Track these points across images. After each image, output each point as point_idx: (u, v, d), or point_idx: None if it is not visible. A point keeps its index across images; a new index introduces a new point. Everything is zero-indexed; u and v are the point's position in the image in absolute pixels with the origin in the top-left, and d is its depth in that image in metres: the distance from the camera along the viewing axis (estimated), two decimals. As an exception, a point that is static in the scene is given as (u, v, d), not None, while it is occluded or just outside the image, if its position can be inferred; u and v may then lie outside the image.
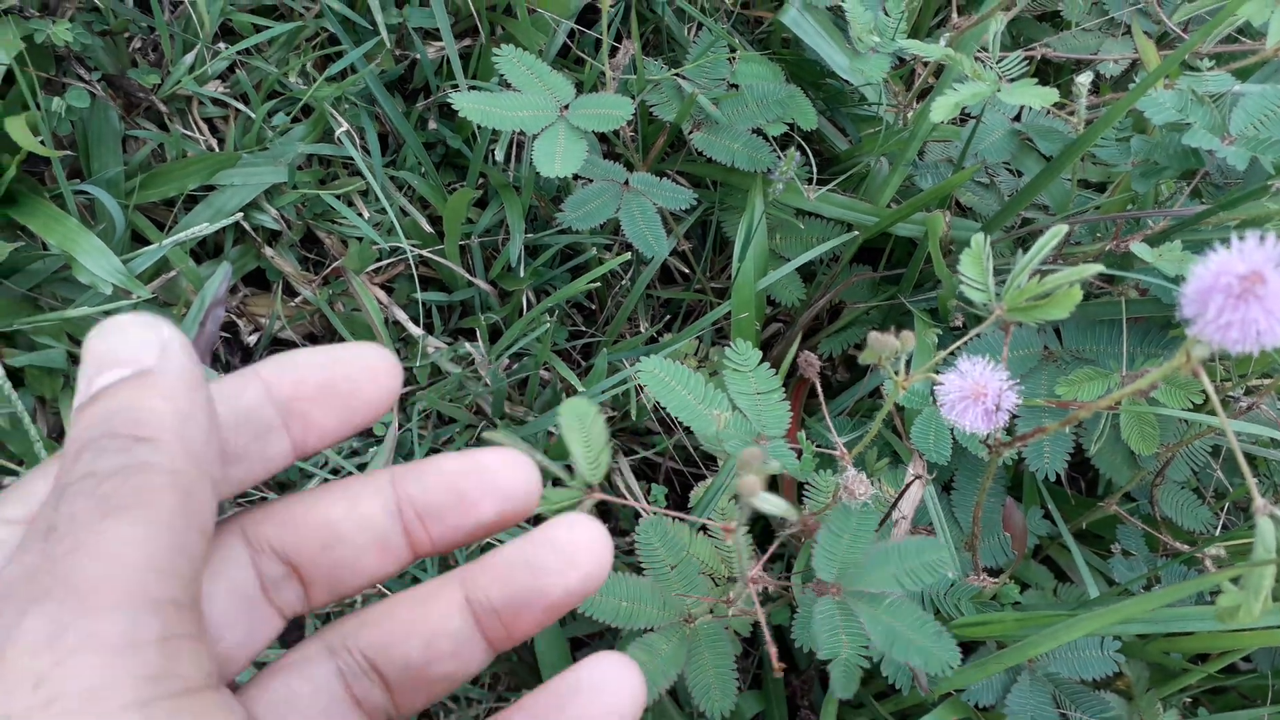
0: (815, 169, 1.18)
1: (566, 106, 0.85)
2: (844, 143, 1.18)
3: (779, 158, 1.11)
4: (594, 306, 1.21)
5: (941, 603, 0.77)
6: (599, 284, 1.02)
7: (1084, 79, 0.84)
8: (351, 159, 1.00)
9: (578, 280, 0.91)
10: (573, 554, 0.35)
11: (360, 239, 1.00)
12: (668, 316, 1.23)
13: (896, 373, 0.55)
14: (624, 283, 1.17)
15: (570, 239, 1.07)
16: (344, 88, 0.96)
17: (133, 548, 0.26)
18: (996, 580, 0.75)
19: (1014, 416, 0.86)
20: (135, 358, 0.29)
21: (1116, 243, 0.85)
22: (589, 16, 1.16)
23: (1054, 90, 0.75)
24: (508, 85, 0.86)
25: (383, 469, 0.37)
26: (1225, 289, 0.35)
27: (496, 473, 0.35)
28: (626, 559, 0.94)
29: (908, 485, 0.70)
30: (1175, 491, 1.01)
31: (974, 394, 0.49)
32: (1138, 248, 0.77)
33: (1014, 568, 0.82)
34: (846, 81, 1.10)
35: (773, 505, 0.46)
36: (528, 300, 1.08)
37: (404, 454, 0.98)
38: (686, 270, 1.21)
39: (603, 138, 1.12)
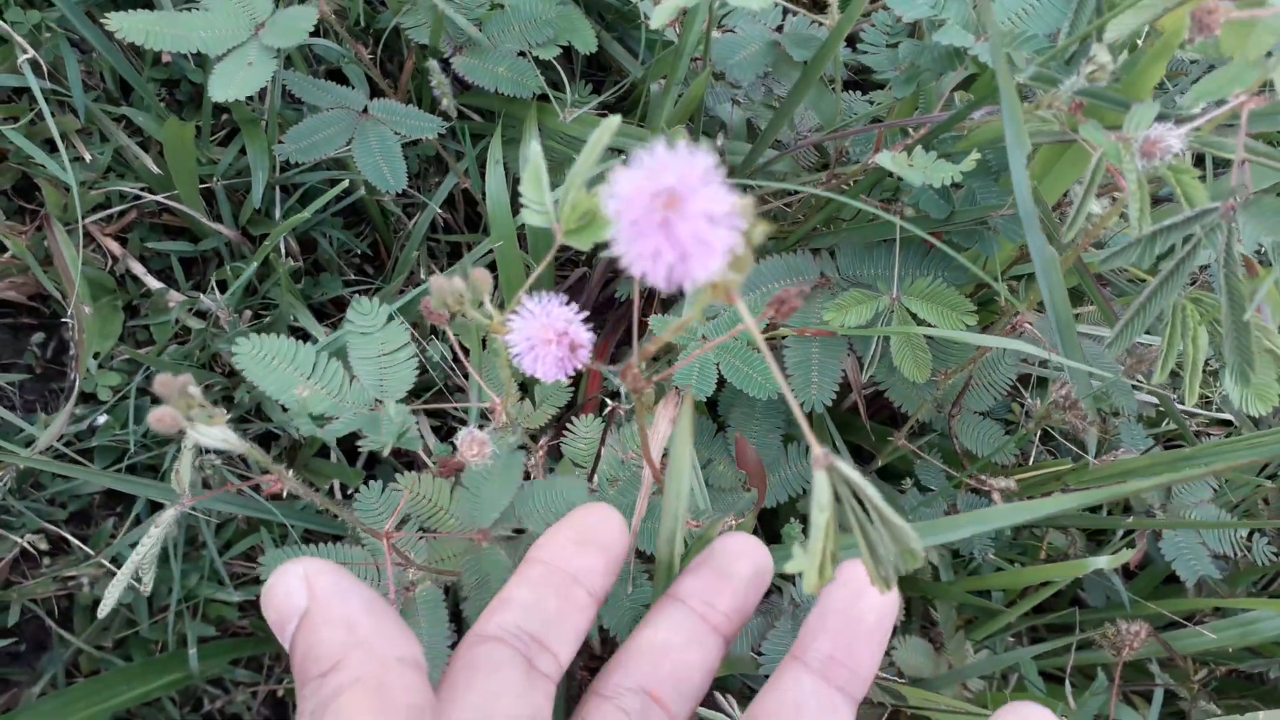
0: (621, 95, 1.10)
1: (262, 25, 0.76)
2: (638, 68, 1.10)
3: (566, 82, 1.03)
4: (383, 256, 1.13)
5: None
6: (361, 227, 0.94)
7: (832, -25, 0.77)
8: (63, 94, 0.90)
9: (296, 216, 0.82)
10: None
11: (82, 183, 0.90)
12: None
13: (489, 317, 0.47)
14: (408, 229, 1.08)
15: (331, 174, 0.98)
16: (42, 14, 0.86)
17: None
18: (738, 520, 0.69)
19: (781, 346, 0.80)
20: (294, 607, 0.36)
21: (875, 156, 0.78)
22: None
23: (777, -16, 0.68)
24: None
25: (667, 592, 0.46)
26: (639, 212, 0.27)
27: (730, 543, 0.45)
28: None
29: (607, 426, 0.63)
30: (975, 422, 0.95)
31: (543, 338, 0.42)
32: (882, 158, 0.71)
33: (757, 508, 0.76)
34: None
35: (209, 438, 0.39)
36: (287, 246, 0.99)
37: (137, 420, 0.89)
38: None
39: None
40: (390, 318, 0.60)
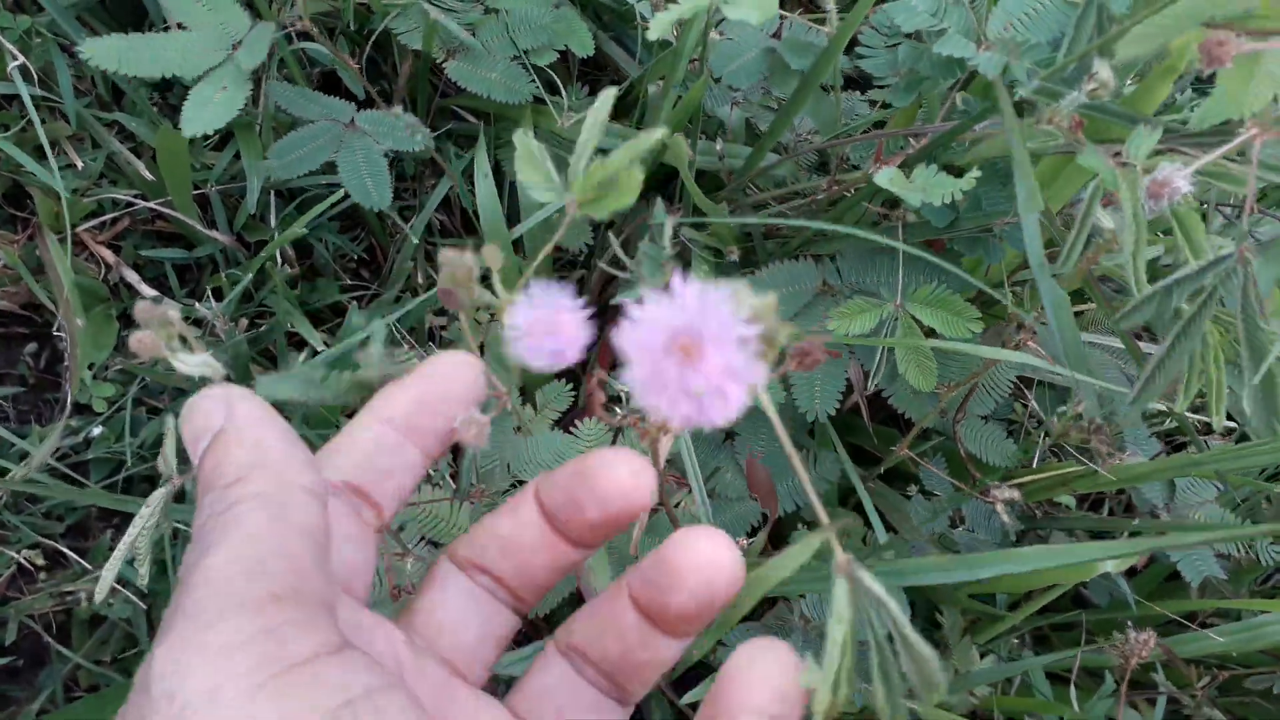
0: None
1: (239, 43, 0.74)
2: (635, 68, 1.09)
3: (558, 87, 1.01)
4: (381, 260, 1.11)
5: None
6: (359, 234, 0.92)
7: (832, -19, 0.76)
8: (54, 101, 0.89)
9: (292, 228, 0.81)
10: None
11: (74, 191, 0.89)
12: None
13: (496, 294, 0.45)
14: (404, 232, 1.07)
15: (328, 177, 0.97)
16: (33, 20, 0.84)
17: (221, 569, 0.31)
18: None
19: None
20: (210, 427, 0.36)
21: (877, 165, 0.77)
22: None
23: (773, 1, 0.66)
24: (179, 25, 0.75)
25: (533, 481, 0.43)
26: (655, 359, 0.27)
27: (597, 475, 0.39)
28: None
29: (617, 428, 0.63)
30: (979, 426, 0.95)
31: (544, 327, 0.40)
32: (880, 177, 0.69)
33: (768, 528, 0.75)
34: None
35: (190, 365, 0.38)
36: (283, 253, 0.98)
37: (134, 431, 0.88)
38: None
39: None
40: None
